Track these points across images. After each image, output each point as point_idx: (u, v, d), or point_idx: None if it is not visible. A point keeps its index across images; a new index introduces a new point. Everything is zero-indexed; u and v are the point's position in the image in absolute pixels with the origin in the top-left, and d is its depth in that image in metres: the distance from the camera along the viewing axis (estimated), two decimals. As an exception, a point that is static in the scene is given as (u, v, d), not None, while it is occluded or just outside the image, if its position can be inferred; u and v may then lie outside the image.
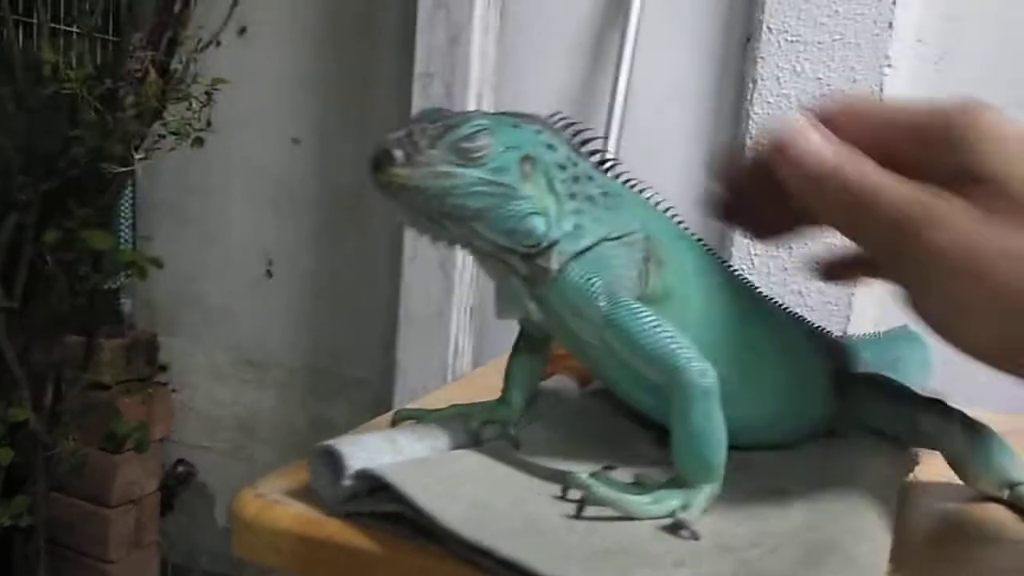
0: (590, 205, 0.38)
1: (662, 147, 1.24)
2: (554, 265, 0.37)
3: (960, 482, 0.44)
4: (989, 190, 0.30)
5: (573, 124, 0.39)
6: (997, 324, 0.30)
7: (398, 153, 0.34)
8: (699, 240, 0.42)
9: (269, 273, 1.57)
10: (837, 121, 0.35)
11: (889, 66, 1.10)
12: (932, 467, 0.43)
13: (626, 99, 1.19)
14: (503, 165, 0.35)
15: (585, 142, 0.40)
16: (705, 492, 0.34)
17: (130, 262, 1.37)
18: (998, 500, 0.43)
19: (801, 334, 0.44)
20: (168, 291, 1.65)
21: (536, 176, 0.37)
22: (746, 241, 1.15)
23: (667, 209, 0.42)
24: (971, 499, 0.44)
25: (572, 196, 0.38)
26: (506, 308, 0.39)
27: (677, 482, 0.35)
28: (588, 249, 0.37)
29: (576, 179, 0.38)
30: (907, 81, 1.12)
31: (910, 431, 0.42)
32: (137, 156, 1.27)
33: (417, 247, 1.30)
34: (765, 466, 0.39)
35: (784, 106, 1.14)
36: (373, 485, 0.31)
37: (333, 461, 0.31)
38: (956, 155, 0.31)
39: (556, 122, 0.39)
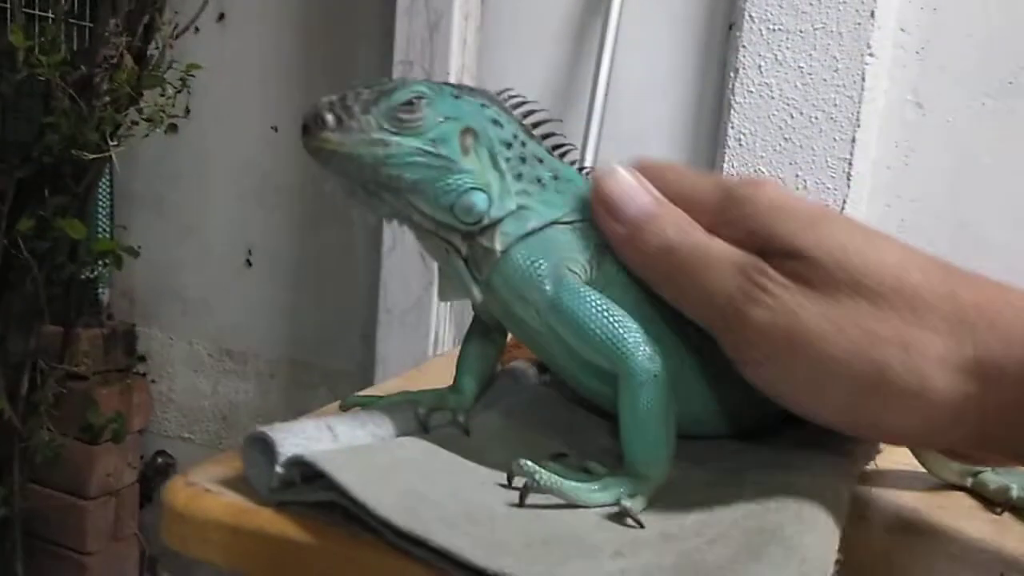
0: (538, 187, 0.37)
1: (644, 135, 1.23)
2: (497, 246, 0.36)
3: (923, 470, 0.43)
4: (805, 264, 0.31)
5: (525, 103, 0.38)
6: (839, 395, 0.31)
7: (329, 117, 0.33)
8: None
9: (248, 263, 1.56)
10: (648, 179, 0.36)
11: (871, 55, 1.09)
12: (895, 455, 0.42)
13: (608, 88, 1.18)
14: (442, 136, 0.34)
15: (538, 124, 0.38)
16: (653, 480, 0.33)
17: (106, 251, 1.36)
18: (961, 488, 0.43)
19: None
20: (147, 281, 1.64)
21: (478, 150, 0.35)
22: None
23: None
24: (933, 487, 0.43)
25: (519, 176, 0.36)
26: (448, 290, 0.38)
27: (626, 470, 0.34)
28: (535, 232, 0.36)
29: (523, 159, 0.37)
30: (889, 70, 1.12)
31: None
32: (112, 144, 1.25)
33: (396, 238, 1.29)
34: (719, 454, 0.38)
35: (766, 95, 1.13)
36: (307, 473, 0.30)
37: (266, 448, 0.30)
38: (755, 225, 0.32)
39: (506, 100, 0.38)
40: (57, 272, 1.37)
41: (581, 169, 0.40)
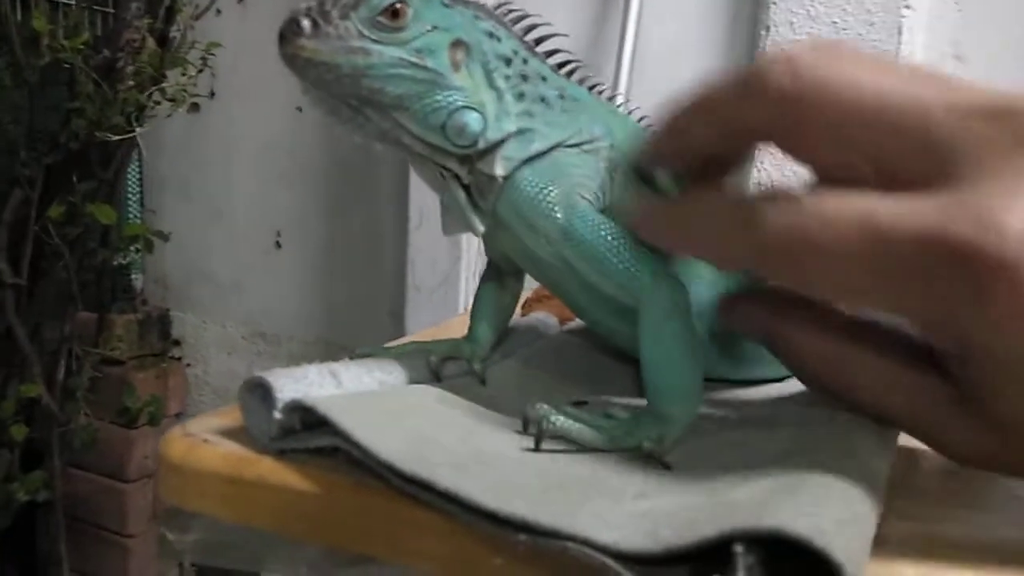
0: (543, 107, 0.34)
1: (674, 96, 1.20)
2: (499, 171, 0.33)
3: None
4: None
5: (527, 17, 0.35)
6: None
7: (305, 23, 0.30)
8: None
9: (278, 244, 1.55)
10: None
11: (908, 7, 1.05)
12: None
13: (635, 51, 1.15)
14: (428, 47, 0.31)
15: (541, 40, 0.36)
16: (679, 421, 0.31)
17: (136, 235, 1.36)
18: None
19: None
20: (179, 265, 1.65)
21: (471, 66, 0.33)
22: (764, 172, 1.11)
23: (641, 119, 0.38)
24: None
25: (520, 96, 0.34)
26: (451, 223, 0.35)
27: (649, 412, 0.31)
28: (541, 156, 0.34)
29: (525, 77, 0.34)
30: (927, 22, 1.07)
31: None
32: (138, 125, 1.25)
33: (423, 215, 1.27)
34: (752, 396, 0.36)
35: (799, 52, 1.09)
36: (308, 420, 0.28)
37: (265, 394, 0.29)
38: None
39: (505, 13, 0.35)
40: (89, 258, 1.38)
41: (592, 88, 0.37)
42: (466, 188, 0.34)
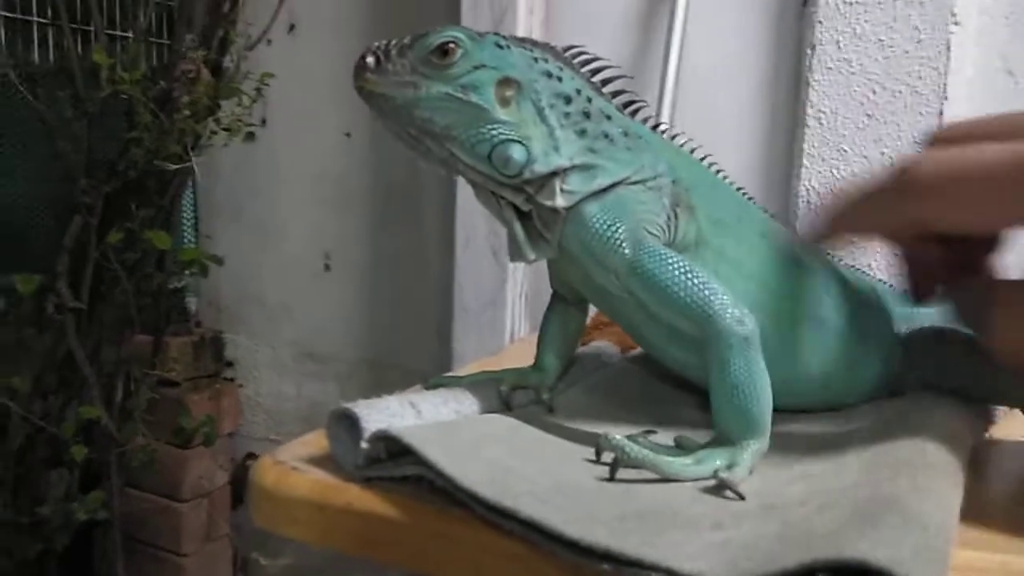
0: (607, 144, 0.36)
1: (718, 120, 1.20)
2: (560, 203, 0.35)
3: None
4: None
5: (594, 60, 0.37)
6: None
7: (370, 60, 0.34)
8: (739, 190, 0.40)
9: (327, 267, 1.58)
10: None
11: (956, 23, 1.04)
12: (1010, 425, 0.40)
13: (678, 73, 1.15)
14: (474, 83, 0.34)
15: (607, 81, 0.37)
16: (751, 450, 0.31)
17: (191, 260, 1.39)
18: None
19: (857, 286, 0.41)
20: (231, 289, 1.68)
21: (521, 102, 0.35)
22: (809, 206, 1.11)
23: (703, 157, 0.39)
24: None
25: (582, 132, 0.35)
26: (514, 251, 0.37)
27: (720, 441, 0.32)
28: (606, 190, 0.35)
29: (587, 114, 0.36)
30: (976, 38, 1.06)
31: (984, 387, 0.38)
32: (193, 154, 1.29)
33: (469, 237, 1.29)
34: (820, 423, 0.36)
35: (845, 71, 1.09)
36: (392, 449, 0.29)
37: (351, 425, 0.30)
38: None
39: (573, 55, 0.37)
40: (146, 282, 1.42)
41: (656, 127, 0.38)
42: (526, 217, 0.36)
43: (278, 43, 1.52)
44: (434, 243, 1.45)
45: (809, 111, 1.11)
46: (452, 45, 0.34)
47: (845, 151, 1.10)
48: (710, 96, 1.20)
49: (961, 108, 1.06)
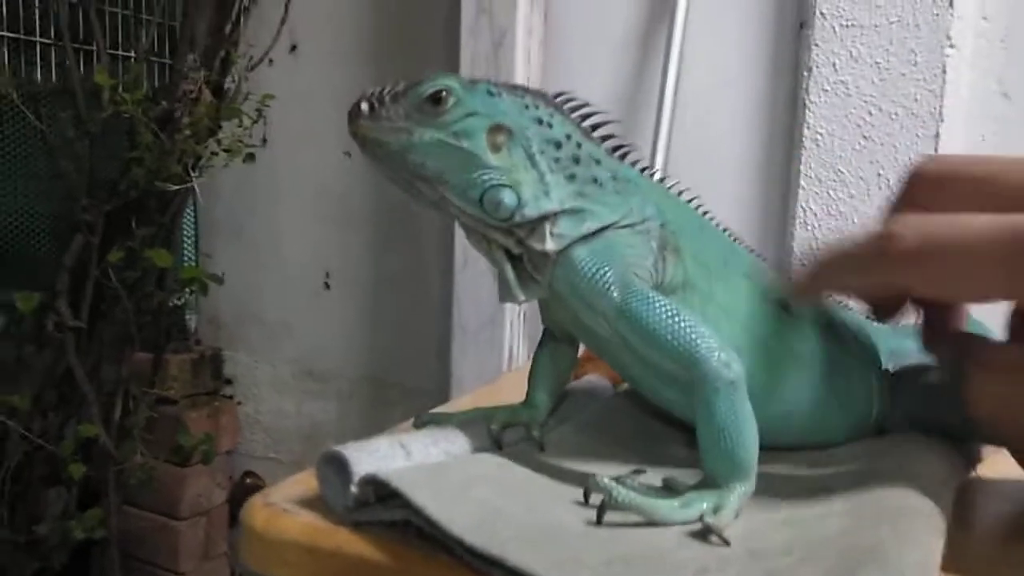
0: (596, 188, 0.36)
1: (716, 142, 1.21)
2: (550, 247, 0.35)
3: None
4: None
5: (584, 106, 0.38)
6: None
7: (364, 106, 0.35)
8: (726, 231, 0.40)
9: (327, 286, 1.59)
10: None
11: (952, 46, 1.05)
12: (997, 464, 0.40)
13: (676, 94, 1.16)
14: (465, 130, 0.35)
15: (596, 126, 0.38)
16: (737, 493, 0.32)
17: (191, 279, 1.40)
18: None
19: (844, 324, 0.41)
20: (231, 307, 1.69)
21: (512, 148, 0.35)
22: (807, 244, 1.11)
23: (691, 199, 0.40)
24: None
25: (572, 177, 0.36)
26: (503, 292, 0.38)
27: (707, 484, 0.32)
28: (595, 234, 0.36)
29: (577, 159, 0.36)
30: (971, 61, 1.07)
31: (970, 425, 0.38)
32: (194, 175, 1.30)
33: (468, 256, 1.29)
34: (805, 465, 0.36)
35: (842, 93, 1.10)
36: (381, 492, 0.30)
37: (340, 468, 0.30)
38: None
39: (563, 101, 0.37)
40: (146, 300, 1.42)
41: (644, 170, 0.39)
42: (517, 260, 0.37)
43: (280, 63, 1.53)
44: (433, 262, 1.45)
45: (806, 133, 1.12)
46: (445, 93, 0.34)
47: (842, 172, 1.11)
48: (708, 117, 1.21)
49: (957, 130, 1.07)
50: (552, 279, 0.36)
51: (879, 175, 1.08)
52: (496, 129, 0.35)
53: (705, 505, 0.31)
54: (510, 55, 1.27)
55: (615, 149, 0.38)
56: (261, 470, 1.67)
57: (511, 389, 0.43)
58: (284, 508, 0.31)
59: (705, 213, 0.40)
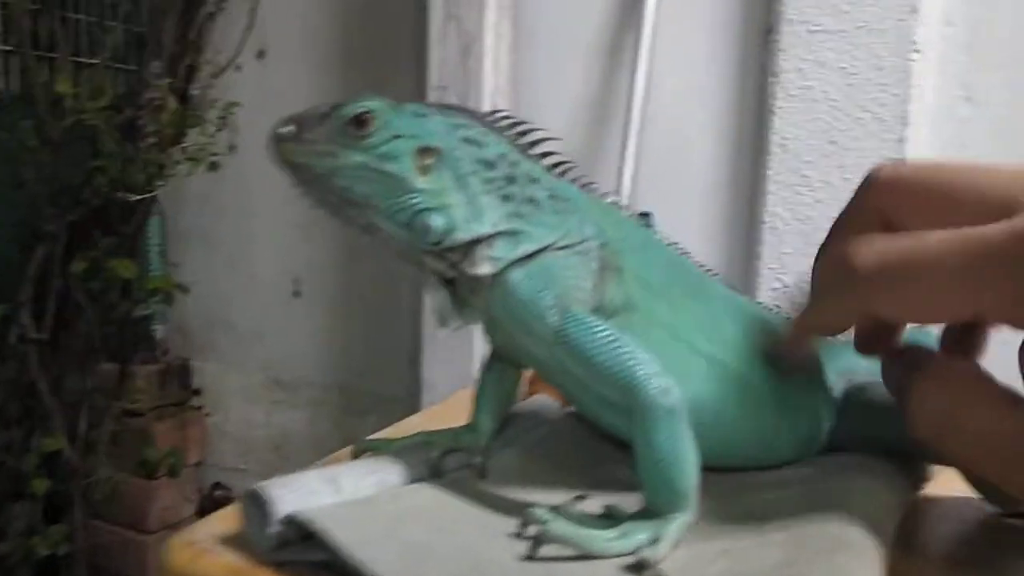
0: (532, 208, 0.35)
1: (684, 148, 1.21)
2: (485, 270, 0.34)
3: (977, 497, 0.40)
4: None
5: (521, 123, 0.37)
6: None
7: (287, 130, 0.34)
8: (672, 246, 0.39)
9: (296, 293, 1.57)
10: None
11: (916, 51, 1.05)
12: (946, 480, 0.39)
13: (645, 100, 1.16)
14: (391, 153, 0.34)
15: (534, 143, 0.37)
16: (676, 523, 0.31)
17: (156, 288, 1.38)
18: (1018, 515, 0.40)
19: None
20: (199, 315, 1.66)
21: (441, 170, 0.34)
22: (773, 268, 1.12)
23: (632, 215, 0.39)
24: (989, 515, 0.40)
25: (506, 198, 0.35)
26: (438, 316, 0.37)
27: (647, 513, 0.31)
28: (531, 257, 0.35)
29: (512, 179, 0.35)
30: (936, 66, 1.07)
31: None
32: (159, 184, 1.28)
33: (438, 261, 1.28)
34: (748, 490, 0.36)
35: (808, 98, 1.10)
36: (305, 532, 0.29)
37: (263, 506, 0.29)
38: None
39: (497, 119, 0.36)
40: (111, 311, 1.40)
41: (585, 187, 0.38)
42: (452, 284, 0.36)
43: (248, 69, 1.51)
44: (403, 269, 1.44)
45: (773, 138, 1.12)
46: (369, 115, 0.33)
47: (809, 177, 1.11)
48: (676, 123, 1.20)
49: (923, 135, 1.07)
50: (489, 303, 0.35)
51: (846, 180, 1.08)
52: (423, 151, 0.34)
53: (643, 536, 0.30)
54: (478, 62, 1.26)
55: (555, 166, 0.37)
56: (231, 481, 1.64)
57: (468, 407, 0.42)
58: (206, 547, 0.30)
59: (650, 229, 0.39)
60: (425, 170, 0.34)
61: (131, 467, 1.42)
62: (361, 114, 0.33)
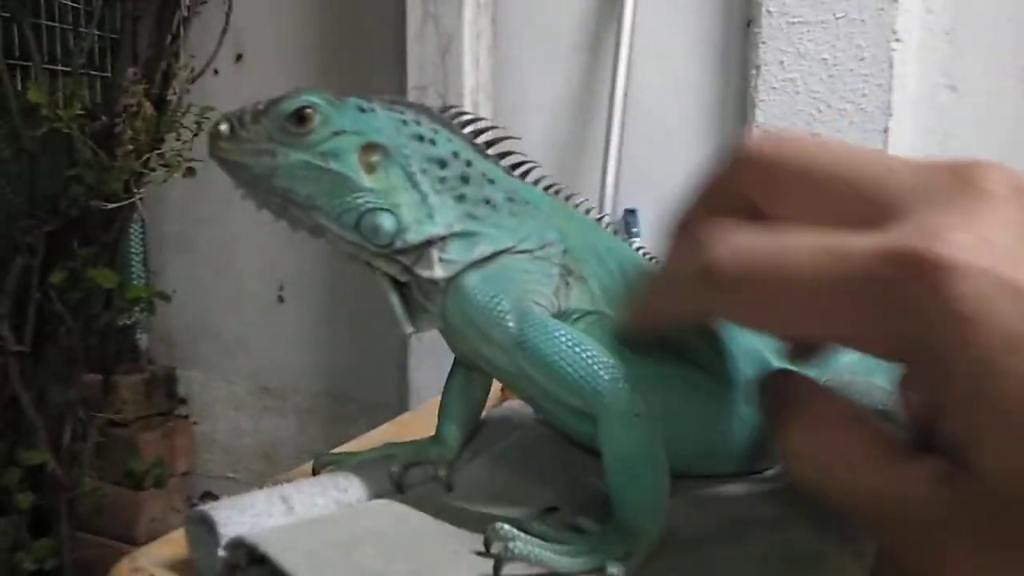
0: (489, 210, 0.34)
1: (668, 140, 1.20)
2: (439, 273, 0.33)
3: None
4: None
5: (477, 120, 0.35)
6: None
7: (223, 127, 0.32)
8: (639, 251, 0.37)
9: (281, 299, 1.56)
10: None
11: (897, 40, 1.04)
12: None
13: (626, 94, 1.15)
14: (334, 150, 0.32)
15: (493, 143, 0.35)
16: (646, 537, 0.29)
17: (137, 297, 1.36)
18: None
19: (756, 347, 0.38)
20: (184, 324, 1.65)
21: (388, 168, 0.33)
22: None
23: (600, 218, 0.37)
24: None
25: (460, 198, 0.33)
26: (396, 321, 0.35)
27: (616, 524, 0.30)
28: (488, 260, 0.33)
29: (466, 179, 0.33)
30: (918, 54, 1.07)
31: None
32: (136, 191, 1.26)
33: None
34: (721, 499, 0.34)
35: (791, 90, 1.09)
36: (255, 555, 0.27)
37: (211, 529, 0.28)
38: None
39: (452, 116, 0.35)
40: (93, 321, 1.38)
41: (548, 189, 0.36)
42: (405, 287, 0.34)
43: (225, 73, 1.50)
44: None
45: (756, 130, 1.11)
46: (308, 111, 0.31)
47: (794, 170, 1.10)
48: (659, 116, 1.19)
49: (905, 124, 1.06)
50: (445, 309, 0.33)
51: (830, 172, 1.07)
52: (369, 148, 0.32)
53: (611, 550, 0.29)
54: (458, 61, 1.25)
55: (515, 167, 0.36)
56: (220, 490, 1.63)
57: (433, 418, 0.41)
58: (151, 573, 0.28)
59: (616, 232, 0.37)
60: (371, 168, 0.32)
61: (118, 478, 1.40)
62: (300, 109, 0.31)
